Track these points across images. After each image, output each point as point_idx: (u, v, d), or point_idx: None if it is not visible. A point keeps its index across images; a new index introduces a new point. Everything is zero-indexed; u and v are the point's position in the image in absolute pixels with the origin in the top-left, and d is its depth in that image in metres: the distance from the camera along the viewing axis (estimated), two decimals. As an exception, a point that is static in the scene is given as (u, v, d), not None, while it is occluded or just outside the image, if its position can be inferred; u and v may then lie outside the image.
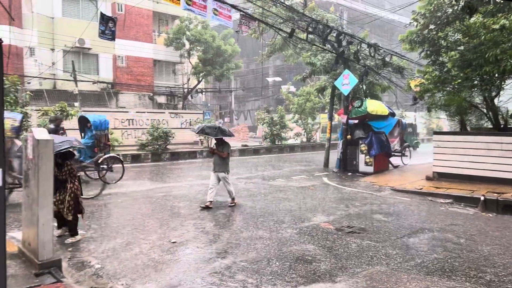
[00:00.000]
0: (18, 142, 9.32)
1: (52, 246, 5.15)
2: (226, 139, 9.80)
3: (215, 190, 9.39)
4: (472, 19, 11.62)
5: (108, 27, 11.66)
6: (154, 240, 6.83)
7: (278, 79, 43.35)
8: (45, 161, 5.05)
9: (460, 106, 13.07)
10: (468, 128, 14.33)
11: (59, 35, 25.23)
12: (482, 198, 9.62)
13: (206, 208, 9.14)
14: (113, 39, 12.19)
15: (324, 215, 8.72)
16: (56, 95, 25.28)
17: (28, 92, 18.25)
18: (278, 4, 14.96)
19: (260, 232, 7.28)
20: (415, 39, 13.77)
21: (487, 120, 13.96)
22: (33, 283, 4.66)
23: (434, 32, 13.21)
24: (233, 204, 9.55)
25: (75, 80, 24.59)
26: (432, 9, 13.10)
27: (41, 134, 5.22)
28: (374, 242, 6.73)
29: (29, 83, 24.17)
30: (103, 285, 4.99)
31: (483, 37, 11.23)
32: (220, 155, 9.38)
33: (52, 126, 10.77)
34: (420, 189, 11.48)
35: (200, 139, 24.95)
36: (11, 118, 9.54)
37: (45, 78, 24.37)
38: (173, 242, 6.67)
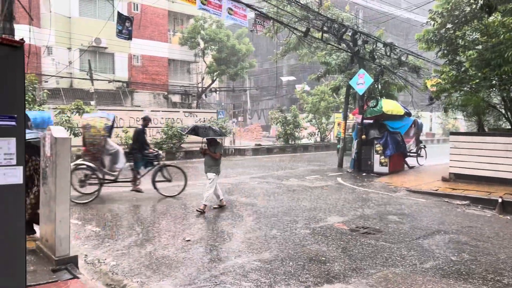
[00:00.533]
0: (110, 141, 9.88)
1: (69, 242, 5.22)
2: (218, 139, 9.51)
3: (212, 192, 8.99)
4: (491, 18, 11.44)
5: (125, 26, 11.78)
6: (168, 238, 6.87)
7: (292, 78, 43.23)
8: (63, 158, 5.12)
9: (478, 107, 12.87)
10: (486, 129, 14.10)
11: (76, 34, 25.56)
12: (500, 200, 9.46)
13: (202, 212, 8.59)
14: (129, 38, 12.30)
15: (338, 215, 8.67)
16: (73, 93, 25.63)
17: (45, 91, 18.54)
18: (293, 3, 14.91)
19: (273, 232, 7.28)
20: (432, 38, 13.59)
21: (505, 120, 13.72)
22: (50, 278, 4.73)
23: (452, 31, 13.03)
24: (218, 207, 9.07)
25: (91, 79, 24.90)
26: (449, 8, 12.91)
27: (59, 132, 5.29)
28: (389, 243, 6.67)
29: (46, 81, 24.55)
30: (118, 282, 5.04)
31: (502, 36, 11.04)
32: (212, 156, 8.89)
33: (140, 126, 10.64)
34: (436, 190, 11.34)
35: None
36: (105, 118, 9.95)
37: (62, 77, 24.71)
38: (187, 241, 6.71)
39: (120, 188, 10.56)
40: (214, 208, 8.98)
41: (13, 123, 3.05)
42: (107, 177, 9.87)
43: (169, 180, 10.32)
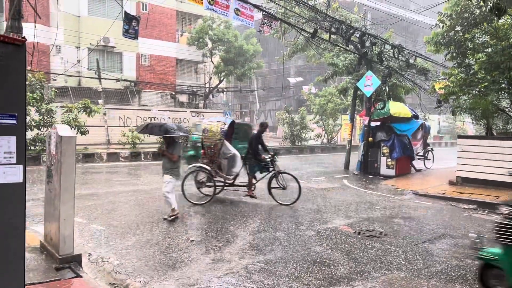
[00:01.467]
0: (228, 145, 9.87)
1: (72, 241, 5.23)
2: (178, 138, 8.53)
3: (173, 195, 8.15)
4: (501, 21, 11.33)
5: (132, 26, 11.81)
6: (172, 238, 6.87)
7: (299, 79, 43.13)
8: (68, 157, 5.13)
9: (486, 110, 12.74)
10: (494, 133, 13.96)
11: (84, 33, 25.69)
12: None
13: (174, 218, 7.96)
14: (136, 38, 12.32)
15: (343, 218, 8.62)
16: (81, 92, 25.76)
17: (53, 89, 18.66)
18: (301, 4, 14.87)
19: (277, 233, 7.24)
20: (441, 40, 13.48)
21: (513, 124, 13.58)
22: (53, 277, 4.74)
23: (461, 34, 12.91)
24: (170, 218, 7.96)
25: (99, 78, 25.01)
26: (458, 10, 12.80)
27: (65, 130, 5.30)
28: (394, 247, 6.61)
29: (55, 80, 24.71)
30: (121, 281, 5.04)
31: (512, 39, 10.94)
32: (169, 157, 8.01)
33: (255, 131, 10.27)
34: (443, 193, 11.24)
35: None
36: (222, 122, 9.96)
37: (70, 76, 24.85)
38: (191, 241, 6.70)
39: (234, 192, 10.63)
40: (165, 219, 7.96)
41: (14, 121, 3.05)
42: (223, 180, 9.94)
43: (284, 188, 9.84)
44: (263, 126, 10.61)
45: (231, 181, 9.97)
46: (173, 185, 8.10)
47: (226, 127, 9.75)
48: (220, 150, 9.67)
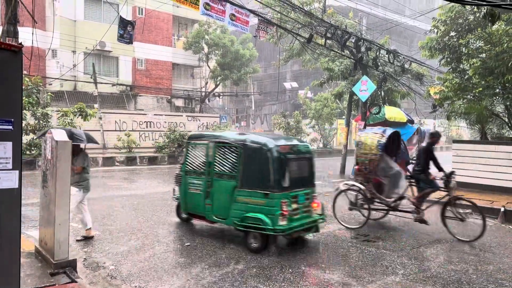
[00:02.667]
0: (390, 160, 8.67)
1: (68, 246, 5.22)
2: (83, 145, 7.20)
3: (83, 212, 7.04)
4: (495, 27, 11.43)
5: (127, 31, 11.81)
6: (168, 242, 6.85)
7: (294, 84, 43.25)
8: (63, 162, 5.12)
9: (481, 115, 12.83)
10: (489, 137, 14.04)
11: (80, 37, 25.68)
12: (502, 209, 9.39)
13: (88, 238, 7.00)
14: (130, 42, 12.34)
15: (339, 222, 8.62)
16: (76, 96, 25.71)
17: (49, 93, 18.62)
18: (297, 9, 14.94)
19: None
20: (435, 46, 13.59)
21: (508, 129, 13.67)
22: (48, 282, 4.72)
23: (455, 40, 13.02)
24: (82, 238, 6.94)
25: (95, 82, 24.98)
26: (452, 16, 12.92)
27: (60, 135, 5.30)
28: (389, 252, 6.63)
29: (50, 84, 24.65)
30: (116, 286, 5.02)
31: (506, 44, 11.04)
32: (72, 168, 6.25)
33: (424, 144, 8.40)
34: (438, 198, 11.24)
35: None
36: (379, 134, 8.50)
37: (66, 80, 24.81)
38: (187, 245, 6.69)
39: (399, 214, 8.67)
40: (78, 240, 6.86)
41: (10, 127, 3.06)
42: (380, 202, 8.42)
43: (463, 219, 7.69)
44: (435, 137, 8.39)
45: (392, 205, 8.31)
46: (80, 198, 6.92)
47: (384, 139, 8.35)
48: (377, 167, 8.34)
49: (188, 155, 7.87)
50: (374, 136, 8.47)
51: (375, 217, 8.64)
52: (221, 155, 7.18)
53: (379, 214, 8.67)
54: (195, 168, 7.60)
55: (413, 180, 8.36)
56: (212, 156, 7.29)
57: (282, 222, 6.36)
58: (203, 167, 7.43)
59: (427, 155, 8.14)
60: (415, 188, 8.41)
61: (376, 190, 8.37)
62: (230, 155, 7.05)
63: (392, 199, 8.32)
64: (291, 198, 6.59)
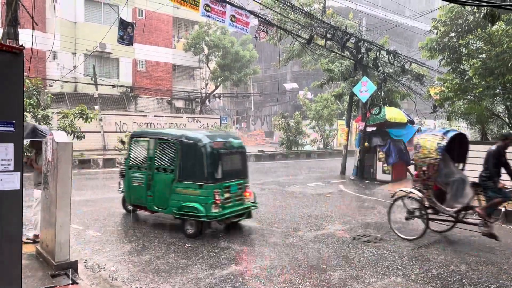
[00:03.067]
0: (453, 166, 8.02)
1: (68, 247, 5.22)
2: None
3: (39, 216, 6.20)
4: (495, 27, 11.42)
5: (127, 32, 11.83)
6: (168, 244, 6.85)
7: (294, 85, 43.29)
8: (64, 163, 5.13)
9: (481, 115, 12.81)
10: (489, 138, 14.03)
11: (80, 39, 25.71)
12: (503, 209, 9.37)
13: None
14: (130, 44, 12.36)
15: (340, 223, 8.63)
16: (77, 98, 25.73)
17: (49, 95, 18.63)
18: (297, 11, 14.96)
19: (274, 239, 7.25)
20: (435, 46, 13.59)
21: (509, 129, 13.65)
22: (49, 284, 4.72)
23: (455, 40, 13.01)
24: (30, 240, 6.35)
25: (96, 84, 25.00)
26: (452, 17, 12.91)
27: (61, 137, 5.31)
28: (390, 252, 6.63)
29: (51, 86, 24.68)
30: (117, 288, 5.02)
31: (506, 45, 11.02)
32: (35, 168, 6.50)
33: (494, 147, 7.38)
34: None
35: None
36: (439, 135, 7.69)
37: (67, 82, 24.83)
38: (188, 246, 6.69)
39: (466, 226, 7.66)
40: (26, 242, 6.16)
41: (11, 128, 3.06)
42: (441, 213, 7.55)
43: None
44: (508, 139, 7.35)
45: (455, 215, 7.41)
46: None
47: (445, 142, 7.52)
48: (437, 172, 7.59)
49: (131, 151, 8.49)
50: (433, 138, 7.73)
51: (440, 229, 7.89)
52: (161, 151, 7.87)
53: (444, 226, 7.82)
54: (137, 163, 8.29)
55: (480, 188, 7.43)
56: (152, 152, 7.96)
57: (215, 210, 7.15)
58: (144, 162, 8.12)
59: (496, 160, 7.30)
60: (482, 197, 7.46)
61: (437, 198, 7.59)
62: (168, 150, 7.74)
63: (455, 209, 7.35)
64: (224, 188, 7.42)
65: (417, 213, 7.73)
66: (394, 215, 8.12)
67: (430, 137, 7.85)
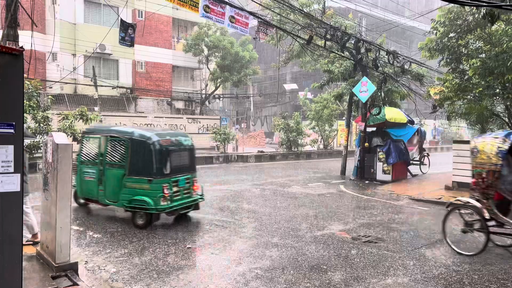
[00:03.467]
0: None
1: (69, 249, 5.22)
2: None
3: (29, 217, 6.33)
4: (494, 27, 11.43)
5: (128, 33, 11.84)
6: (169, 245, 6.85)
7: (294, 86, 43.28)
8: (64, 165, 5.13)
9: (481, 115, 12.83)
10: (489, 137, 14.01)
11: (80, 40, 25.74)
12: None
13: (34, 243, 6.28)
14: (132, 45, 12.38)
15: (340, 223, 8.63)
16: (77, 99, 25.75)
17: (49, 96, 18.63)
18: (296, 11, 14.96)
19: (274, 240, 7.25)
20: (435, 47, 13.60)
21: (509, 129, 13.66)
22: (50, 285, 4.72)
23: (454, 41, 13.02)
24: (29, 243, 6.28)
25: (95, 85, 25.02)
26: (452, 18, 12.92)
27: (61, 138, 5.31)
28: (391, 252, 6.63)
29: (51, 87, 24.67)
30: (118, 289, 5.02)
31: (505, 45, 11.03)
32: None
33: None
34: (439, 198, 11.28)
35: (217, 145, 25.05)
36: (500, 138, 6.75)
37: (66, 83, 24.84)
38: (188, 248, 6.69)
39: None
40: (27, 243, 6.13)
41: (11, 130, 3.06)
42: (506, 225, 6.54)
43: None
44: None
45: None
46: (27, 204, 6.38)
47: (507, 145, 6.56)
48: (499, 179, 6.66)
49: (83, 147, 8.94)
50: (493, 142, 6.82)
51: (504, 243, 6.99)
52: (112, 147, 8.31)
53: (509, 239, 6.88)
54: (89, 158, 8.73)
55: None
56: (104, 148, 8.40)
57: (164, 203, 7.76)
58: (96, 158, 8.55)
59: None
60: None
61: (499, 209, 6.65)
62: (119, 147, 8.19)
63: None
64: (172, 182, 8.00)
65: (476, 226, 6.89)
66: (449, 227, 7.31)
67: (489, 140, 6.97)
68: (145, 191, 7.79)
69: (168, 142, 8.20)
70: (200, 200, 8.83)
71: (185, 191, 8.39)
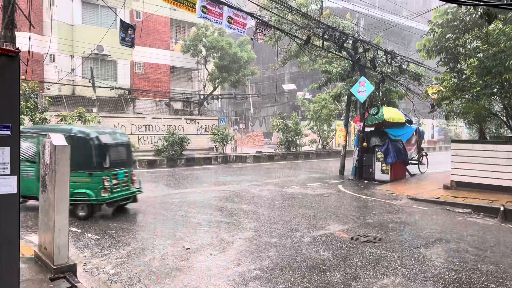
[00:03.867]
0: None
1: (67, 251, 5.20)
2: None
3: None
4: (491, 26, 11.45)
5: (128, 34, 11.82)
6: (168, 246, 6.84)
7: (292, 86, 43.30)
8: (62, 166, 5.12)
9: (479, 114, 12.84)
10: (487, 137, 14.06)
11: (78, 42, 25.71)
12: (501, 208, 9.41)
13: None
14: (132, 46, 12.35)
15: (339, 223, 8.63)
16: (75, 101, 25.71)
17: (47, 98, 18.60)
18: (294, 12, 14.97)
19: (273, 240, 7.24)
20: (433, 48, 13.63)
21: (507, 128, 13.69)
22: (48, 287, 4.71)
23: (451, 42, 13.03)
24: None
25: (94, 86, 24.98)
26: (449, 19, 12.94)
27: (58, 140, 5.30)
28: (389, 252, 6.63)
29: (48, 89, 24.64)
30: (116, 290, 5.01)
31: (503, 44, 11.06)
32: None
33: None
34: (438, 198, 11.29)
35: (215, 145, 25.04)
36: None
37: (64, 84, 24.80)
38: (187, 249, 6.68)
39: None
40: None
41: (8, 132, 3.05)
42: None
43: None
44: None
45: None
46: None
47: None
48: None
49: (21, 146, 9.09)
50: None
51: None
52: None
53: None
54: (27, 157, 8.93)
55: None
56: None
57: (104, 194, 8.39)
58: (35, 156, 8.76)
59: None
60: None
61: None
62: None
63: None
64: (112, 175, 8.63)
65: None
66: None
67: None
68: (86, 184, 8.34)
69: (107, 138, 8.80)
70: (137, 193, 9.56)
71: (124, 184, 9.07)
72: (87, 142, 8.46)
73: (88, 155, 8.39)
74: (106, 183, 8.39)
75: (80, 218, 8.40)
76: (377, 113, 15.38)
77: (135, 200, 9.58)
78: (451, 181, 12.77)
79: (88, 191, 8.28)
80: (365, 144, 15.74)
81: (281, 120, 27.32)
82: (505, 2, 7.43)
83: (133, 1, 27.64)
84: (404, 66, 17.04)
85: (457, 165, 12.64)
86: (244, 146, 30.61)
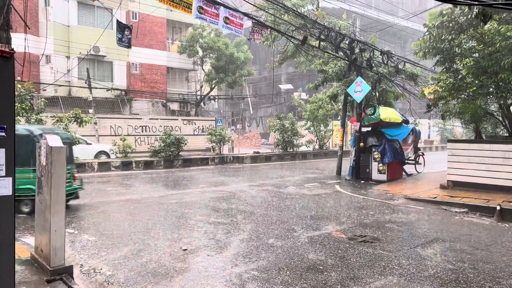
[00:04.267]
0: None
1: (64, 252, 5.18)
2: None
3: None
4: (487, 26, 11.49)
5: (125, 34, 11.79)
6: (165, 247, 6.83)
7: (289, 86, 43.33)
8: (58, 168, 5.10)
9: (475, 114, 12.90)
10: (484, 136, 14.11)
11: (74, 43, 25.65)
12: (498, 207, 9.43)
13: None
14: (129, 46, 12.33)
15: (336, 223, 8.63)
16: (71, 102, 25.65)
17: (43, 99, 18.55)
18: (291, 12, 14.97)
19: (271, 240, 7.24)
20: (430, 50, 13.68)
21: (503, 128, 13.74)
22: (45, 289, 4.68)
23: (447, 43, 13.07)
24: None
25: (90, 87, 24.93)
26: (444, 20, 12.98)
27: (54, 141, 5.27)
28: (387, 252, 6.64)
29: (44, 90, 24.57)
30: (113, 292, 5.00)
31: (498, 44, 11.10)
32: None
33: None
34: (434, 197, 11.32)
35: (212, 146, 25.03)
36: None
37: (60, 85, 24.76)
38: (184, 250, 6.67)
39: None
40: None
41: (2, 133, 3.04)
42: None
43: None
44: None
45: None
46: None
47: None
48: None
49: None
50: None
51: None
52: None
53: None
54: None
55: None
56: None
57: None
58: None
59: None
60: None
61: None
62: None
63: None
64: None
65: None
66: None
67: None
68: (30, 180, 8.51)
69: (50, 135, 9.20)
70: (79, 189, 9.92)
71: (67, 181, 9.22)
72: (31, 139, 8.69)
73: (32, 151, 8.38)
74: None
75: (24, 213, 8.77)
76: (373, 113, 15.41)
77: (77, 196, 9.95)
78: (448, 180, 12.81)
79: (32, 186, 8.33)
80: (362, 144, 15.77)
81: (278, 121, 27.34)
82: (500, 2, 7.46)
83: (129, 2, 27.60)
84: (400, 66, 17.08)
85: (454, 164, 12.68)
86: (241, 147, 30.62)
